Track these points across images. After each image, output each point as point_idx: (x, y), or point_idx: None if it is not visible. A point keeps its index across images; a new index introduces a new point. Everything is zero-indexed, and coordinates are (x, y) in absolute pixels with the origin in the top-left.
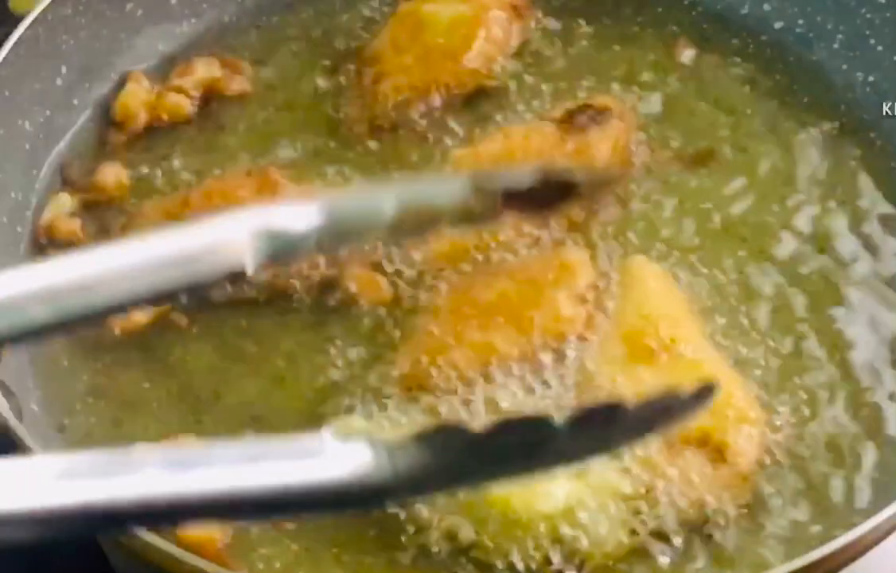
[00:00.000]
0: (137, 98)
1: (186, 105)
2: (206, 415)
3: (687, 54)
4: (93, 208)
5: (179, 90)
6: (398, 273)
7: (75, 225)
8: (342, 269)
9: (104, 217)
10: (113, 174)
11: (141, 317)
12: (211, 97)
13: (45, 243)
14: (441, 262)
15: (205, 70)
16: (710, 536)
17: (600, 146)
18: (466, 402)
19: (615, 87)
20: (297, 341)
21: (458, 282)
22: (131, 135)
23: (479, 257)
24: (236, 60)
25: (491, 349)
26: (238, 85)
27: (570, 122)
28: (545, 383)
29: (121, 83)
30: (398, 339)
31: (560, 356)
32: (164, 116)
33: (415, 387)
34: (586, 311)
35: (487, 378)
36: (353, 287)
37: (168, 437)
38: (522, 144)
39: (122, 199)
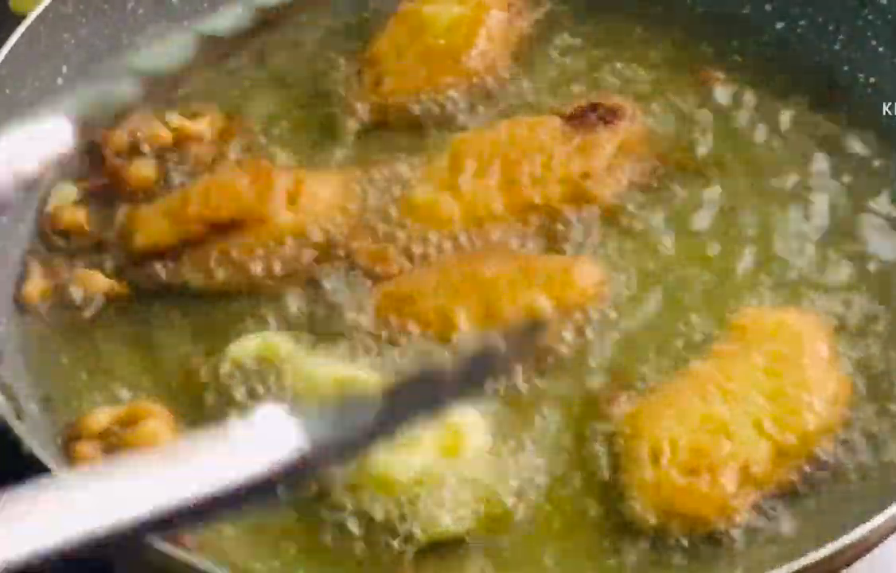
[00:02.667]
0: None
1: (166, 135)
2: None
3: (688, 55)
4: (96, 199)
5: (165, 123)
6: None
7: (80, 215)
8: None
9: (108, 207)
10: (143, 167)
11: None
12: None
13: (50, 232)
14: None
15: (206, 124)
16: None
17: (606, 146)
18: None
19: (614, 87)
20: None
21: (474, 249)
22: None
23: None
24: (233, 128)
25: (451, 320)
26: (206, 150)
27: (579, 118)
28: None
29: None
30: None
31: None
32: (146, 146)
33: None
34: (565, 323)
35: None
36: (362, 261)
37: (175, 433)
38: (527, 135)
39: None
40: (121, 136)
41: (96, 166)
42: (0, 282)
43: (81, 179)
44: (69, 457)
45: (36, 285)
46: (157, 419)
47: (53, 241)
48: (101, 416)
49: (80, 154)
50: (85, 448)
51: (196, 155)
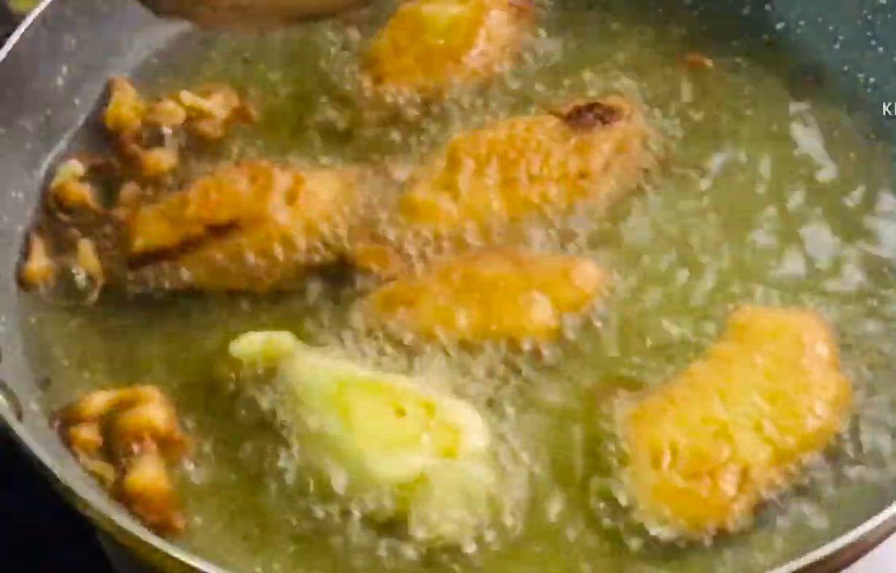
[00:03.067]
0: (126, 106)
1: (179, 114)
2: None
3: (689, 56)
4: (101, 175)
5: (177, 101)
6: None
7: (84, 190)
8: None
9: (114, 183)
10: (161, 156)
11: None
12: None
13: (55, 208)
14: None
15: (219, 102)
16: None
17: (603, 146)
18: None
19: (613, 87)
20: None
21: (472, 249)
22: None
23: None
24: (247, 107)
25: (451, 321)
26: (213, 130)
27: (576, 118)
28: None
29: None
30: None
31: (512, 358)
32: (160, 122)
33: (375, 321)
34: (564, 324)
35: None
36: (361, 262)
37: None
38: (524, 135)
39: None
40: (134, 119)
41: (112, 148)
42: (2, 277)
43: (87, 155)
44: (66, 440)
45: (38, 264)
46: (154, 403)
47: (59, 216)
48: (98, 400)
49: (87, 130)
50: (83, 432)
51: (206, 134)
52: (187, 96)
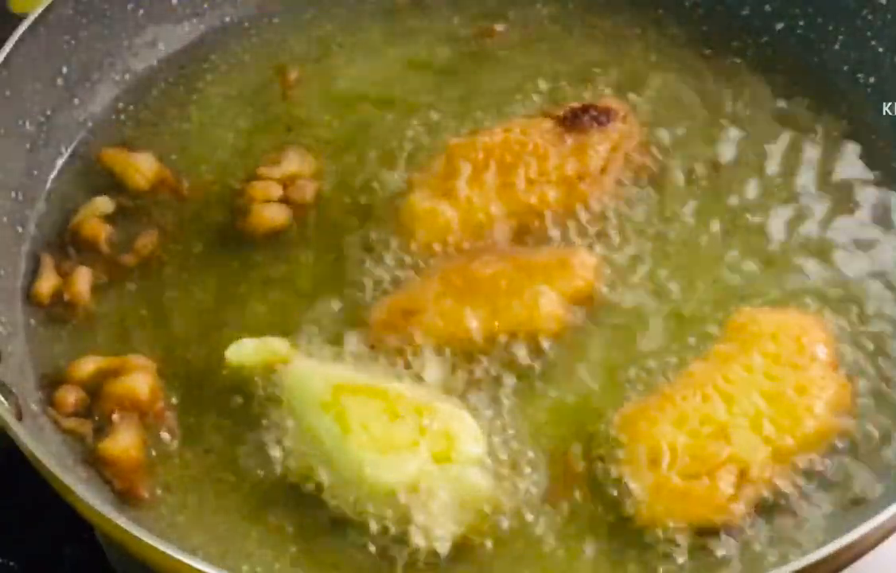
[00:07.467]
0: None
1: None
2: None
3: (687, 56)
4: (126, 218)
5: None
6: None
7: (102, 230)
8: None
9: (133, 228)
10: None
11: None
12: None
13: (68, 241)
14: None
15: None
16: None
17: (599, 147)
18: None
19: (610, 88)
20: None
21: (467, 252)
22: None
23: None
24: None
25: (460, 322)
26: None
27: (572, 120)
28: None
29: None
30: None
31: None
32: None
33: (381, 333)
34: (570, 315)
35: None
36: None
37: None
38: (521, 139)
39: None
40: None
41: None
42: (7, 280)
43: (119, 194)
44: (49, 400)
45: (48, 283)
46: (142, 373)
47: (66, 250)
48: (88, 364)
49: (87, 131)
50: (66, 393)
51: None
52: (274, 171)
